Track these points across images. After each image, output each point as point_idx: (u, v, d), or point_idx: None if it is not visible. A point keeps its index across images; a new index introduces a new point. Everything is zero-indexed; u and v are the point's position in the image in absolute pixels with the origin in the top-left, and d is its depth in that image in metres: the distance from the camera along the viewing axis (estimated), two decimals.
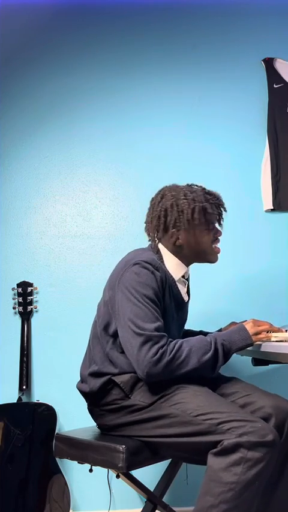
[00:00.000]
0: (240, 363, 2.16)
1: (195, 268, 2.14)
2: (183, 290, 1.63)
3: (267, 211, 2.32)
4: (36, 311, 2.19)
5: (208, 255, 1.62)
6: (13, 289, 2.17)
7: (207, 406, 1.33)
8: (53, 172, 2.31)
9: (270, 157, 2.33)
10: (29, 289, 2.16)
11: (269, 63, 2.41)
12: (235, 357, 2.09)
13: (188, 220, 1.53)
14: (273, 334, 1.47)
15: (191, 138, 2.36)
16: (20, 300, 2.15)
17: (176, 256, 1.58)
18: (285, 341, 1.43)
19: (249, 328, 1.46)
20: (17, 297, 2.15)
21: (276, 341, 1.44)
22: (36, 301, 2.18)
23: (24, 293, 2.15)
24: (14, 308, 2.17)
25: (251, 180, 2.34)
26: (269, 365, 1.77)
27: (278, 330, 1.54)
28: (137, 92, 2.38)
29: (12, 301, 2.17)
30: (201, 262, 1.65)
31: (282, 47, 2.43)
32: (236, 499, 1.21)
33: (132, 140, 2.34)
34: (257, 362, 1.76)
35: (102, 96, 2.36)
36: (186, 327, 1.80)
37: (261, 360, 1.73)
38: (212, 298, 2.23)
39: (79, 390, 1.57)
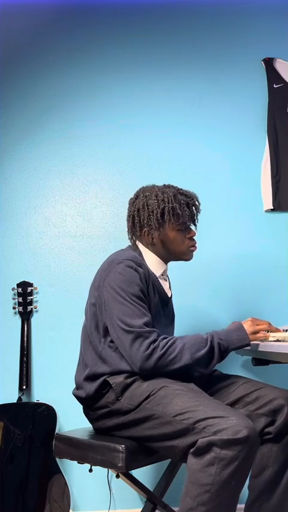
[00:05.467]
0: (240, 362, 2.16)
1: (195, 268, 2.15)
2: (165, 286, 1.67)
3: (267, 211, 2.32)
4: (36, 311, 2.19)
5: (181, 254, 1.66)
6: (13, 289, 2.17)
7: (186, 404, 1.31)
8: (53, 172, 2.31)
9: (270, 157, 2.33)
10: (29, 289, 2.16)
11: (269, 63, 2.41)
12: (235, 357, 2.10)
13: (158, 220, 1.58)
14: (271, 334, 1.48)
15: (191, 137, 2.36)
16: (20, 300, 2.15)
17: (154, 253, 1.63)
18: (283, 340, 1.43)
19: (248, 327, 1.48)
20: (17, 297, 2.15)
21: (274, 341, 1.45)
22: (36, 301, 2.18)
23: (24, 293, 2.15)
24: (14, 308, 2.17)
25: (251, 180, 2.34)
26: (269, 365, 1.78)
27: (277, 330, 1.54)
28: (138, 92, 2.38)
29: (12, 301, 2.17)
30: (177, 260, 1.69)
31: (282, 47, 2.44)
32: (212, 500, 1.18)
33: (132, 140, 2.34)
34: (257, 362, 1.76)
35: (102, 96, 2.37)
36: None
37: (261, 359, 1.73)
38: (212, 298, 2.23)
39: (75, 396, 1.57)
